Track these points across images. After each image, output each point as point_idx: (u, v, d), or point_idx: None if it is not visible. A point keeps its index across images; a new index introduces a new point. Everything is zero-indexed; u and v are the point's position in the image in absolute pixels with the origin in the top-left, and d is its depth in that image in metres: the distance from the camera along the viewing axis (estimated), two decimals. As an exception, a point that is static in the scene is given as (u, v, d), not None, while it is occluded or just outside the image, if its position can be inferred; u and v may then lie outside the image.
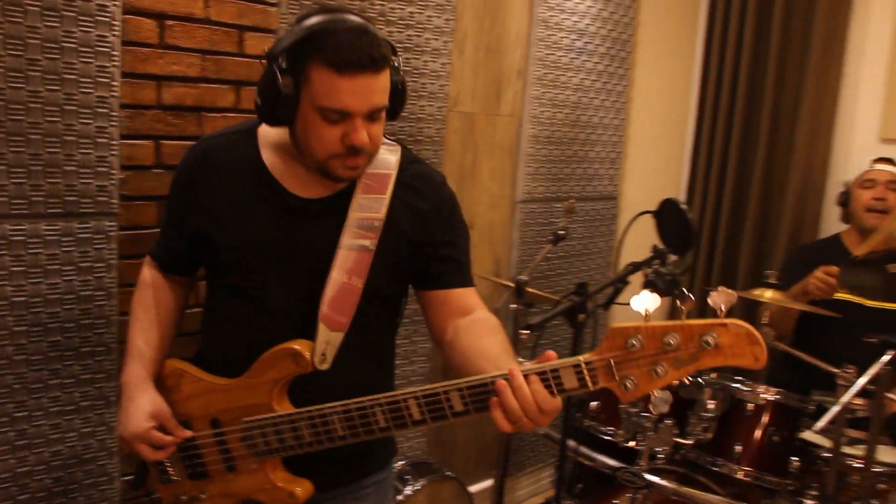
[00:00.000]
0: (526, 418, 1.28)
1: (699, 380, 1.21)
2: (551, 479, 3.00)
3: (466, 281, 1.66)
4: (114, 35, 2.02)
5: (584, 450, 2.42)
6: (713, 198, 3.88)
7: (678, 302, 1.24)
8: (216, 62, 2.28)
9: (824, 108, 3.58)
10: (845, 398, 1.89)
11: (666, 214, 2.17)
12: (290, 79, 1.44)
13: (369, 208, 1.56)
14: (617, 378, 1.25)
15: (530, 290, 2.63)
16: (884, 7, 3.50)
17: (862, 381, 1.89)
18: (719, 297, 1.19)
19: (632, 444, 2.47)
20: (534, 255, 3.35)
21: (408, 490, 2.73)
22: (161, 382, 1.65)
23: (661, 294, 1.99)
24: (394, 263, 1.61)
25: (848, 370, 2.10)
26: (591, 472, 2.62)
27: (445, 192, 1.67)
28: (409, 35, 2.75)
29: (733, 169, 3.78)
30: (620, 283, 2.03)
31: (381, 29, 2.66)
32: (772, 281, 2.42)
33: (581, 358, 1.27)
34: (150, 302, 1.72)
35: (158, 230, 1.78)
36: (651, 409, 1.30)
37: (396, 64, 1.52)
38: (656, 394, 1.27)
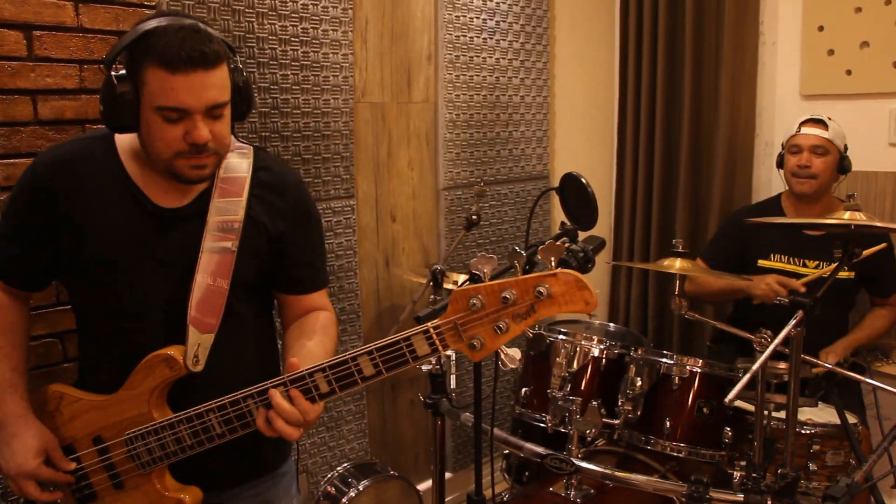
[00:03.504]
0: (289, 427, 1.44)
1: (541, 332, 1.24)
2: (502, 469, 2.93)
3: (320, 283, 1.80)
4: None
5: (511, 439, 2.34)
6: (644, 167, 3.81)
7: (516, 263, 1.32)
8: (96, 72, 2.19)
9: (744, 69, 3.53)
10: (757, 364, 1.82)
11: (568, 190, 2.08)
12: (128, 84, 1.46)
13: (227, 211, 1.60)
14: (464, 339, 1.33)
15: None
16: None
17: (773, 344, 1.83)
18: (548, 252, 1.27)
19: (562, 429, 2.41)
20: (465, 241, 3.29)
21: (352, 492, 2.68)
22: (42, 408, 1.65)
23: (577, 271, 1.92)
24: (258, 260, 1.66)
25: (764, 335, 2.04)
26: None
27: (301, 190, 1.74)
28: (304, 28, 2.66)
29: (661, 137, 3.72)
30: (527, 265, 1.95)
31: (273, 24, 2.57)
32: (681, 249, 2.34)
33: (429, 324, 1.36)
34: (5, 326, 1.67)
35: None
36: (501, 365, 1.33)
37: (235, 64, 1.55)
38: (505, 350, 1.36)
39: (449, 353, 2.62)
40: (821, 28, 3.32)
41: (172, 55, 1.40)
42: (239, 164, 1.65)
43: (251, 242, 1.63)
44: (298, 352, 1.62)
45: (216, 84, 1.47)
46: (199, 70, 1.42)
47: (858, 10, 3.21)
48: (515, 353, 1.36)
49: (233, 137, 1.68)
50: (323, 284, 1.80)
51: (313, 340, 1.66)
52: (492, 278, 1.33)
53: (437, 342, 1.35)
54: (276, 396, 1.43)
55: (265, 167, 1.69)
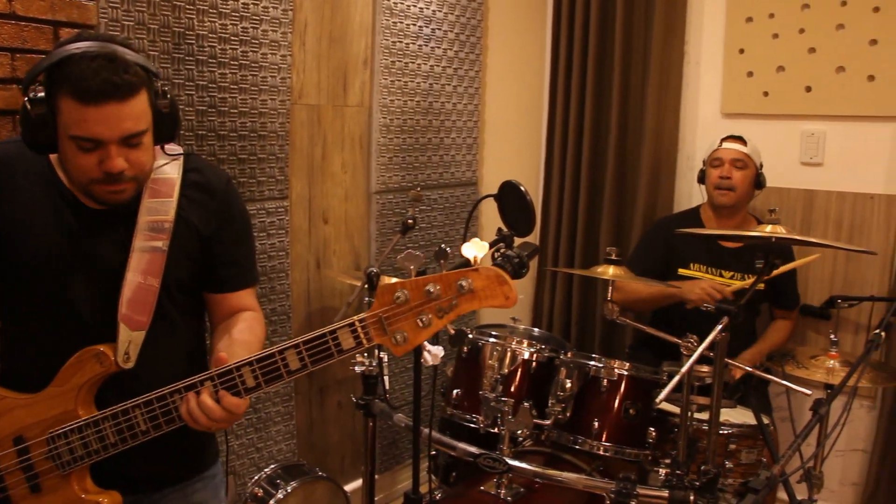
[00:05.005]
0: (211, 421, 1.45)
1: (462, 329, 1.32)
2: (428, 470, 2.96)
3: (248, 282, 1.81)
4: None
5: (445, 439, 2.39)
6: (571, 178, 3.92)
7: (440, 261, 1.37)
8: (29, 61, 2.13)
9: (669, 86, 3.68)
10: (685, 367, 1.92)
11: (507, 197, 2.15)
12: (43, 107, 1.45)
13: (158, 211, 1.62)
14: (388, 332, 1.37)
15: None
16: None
17: (700, 348, 1.93)
18: (472, 248, 1.34)
19: (493, 429, 2.47)
20: (395, 245, 3.31)
21: (279, 494, 2.67)
22: None
23: (510, 276, 1.98)
24: (189, 260, 1.68)
25: (690, 340, 2.14)
26: (463, 460, 2.61)
27: (230, 190, 1.76)
28: (244, 27, 2.65)
29: (588, 148, 3.83)
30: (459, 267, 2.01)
31: (214, 21, 2.55)
32: (614, 257, 2.45)
33: (355, 318, 1.39)
34: None
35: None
36: (423, 362, 1.38)
37: (157, 89, 1.53)
38: (428, 346, 1.34)
39: (382, 354, 2.65)
40: (741, 51, 3.50)
41: (84, 87, 1.39)
42: (169, 166, 1.67)
43: (182, 242, 1.64)
44: (224, 350, 1.62)
45: (131, 115, 1.45)
46: (111, 102, 1.41)
47: (776, 36, 3.39)
48: (438, 350, 1.41)
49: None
50: (251, 283, 1.82)
51: (237, 339, 1.68)
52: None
53: (362, 335, 1.39)
54: (204, 395, 1.45)
55: (195, 168, 1.71)
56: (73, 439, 1.52)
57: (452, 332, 1.42)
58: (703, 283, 2.88)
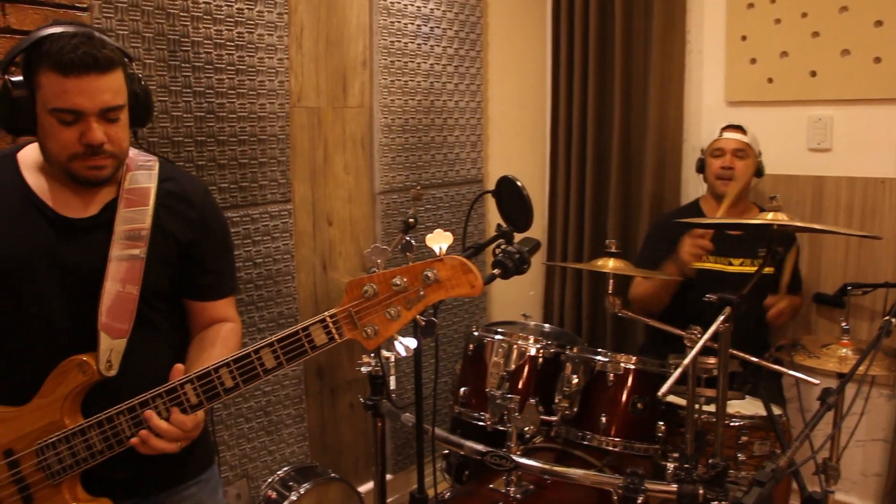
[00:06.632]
0: (167, 443, 1.50)
1: (433, 319, 1.37)
2: (441, 470, 2.95)
3: (227, 291, 1.84)
4: None
5: (452, 437, 2.37)
6: (576, 171, 3.89)
7: (407, 253, 1.41)
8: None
9: (672, 76, 3.63)
10: (688, 359, 1.90)
11: (504, 192, 2.13)
12: (23, 88, 1.50)
13: (134, 220, 1.63)
14: (359, 327, 1.41)
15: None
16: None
17: (703, 339, 1.90)
18: (436, 239, 1.37)
19: (500, 427, 2.45)
20: (401, 244, 3.30)
21: (293, 496, 2.68)
22: None
23: (511, 273, 1.98)
24: (167, 267, 1.69)
25: (693, 331, 2.12)
26: (475, 458, 2.60)
27: (207, 199, 1.79)
28: (239, 32, 2.65)
29: (592, 141, 3.80)
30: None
31: (208, 28, 2.55)
32: (613, 250, 2.42)
33: (326, 314, 1.42)
34: None
35: None
36: (396, 354, 1.40)
37: (132, 71, 1.60)
38: (399, 338, 1.42)
39: (388, 355, 2.64)
40: (743, 38, 3.45)
41: (65, 59, 1.44)
42: (144, 175, 1.68)
43: (160, 250, 1.66)
44: (194, 362, 1.65)
45: (110, 87, 1.50)
46: (91, 73, 1.46)
47: (778, 21, 3.34)
48: (410, 341, 1.43)
49: (138, 151, 1.72)
50: (230, 292, 1.85)
51: (210, 352, 1.69)
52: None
53: (334, 331, 1.42)
54: (153, 418, 1.49)
55: (171, 177, 1.73)
56: (62, 449, 1.53)
57: (423, 322, 1.45)
58: (685, 244, 2.85)
